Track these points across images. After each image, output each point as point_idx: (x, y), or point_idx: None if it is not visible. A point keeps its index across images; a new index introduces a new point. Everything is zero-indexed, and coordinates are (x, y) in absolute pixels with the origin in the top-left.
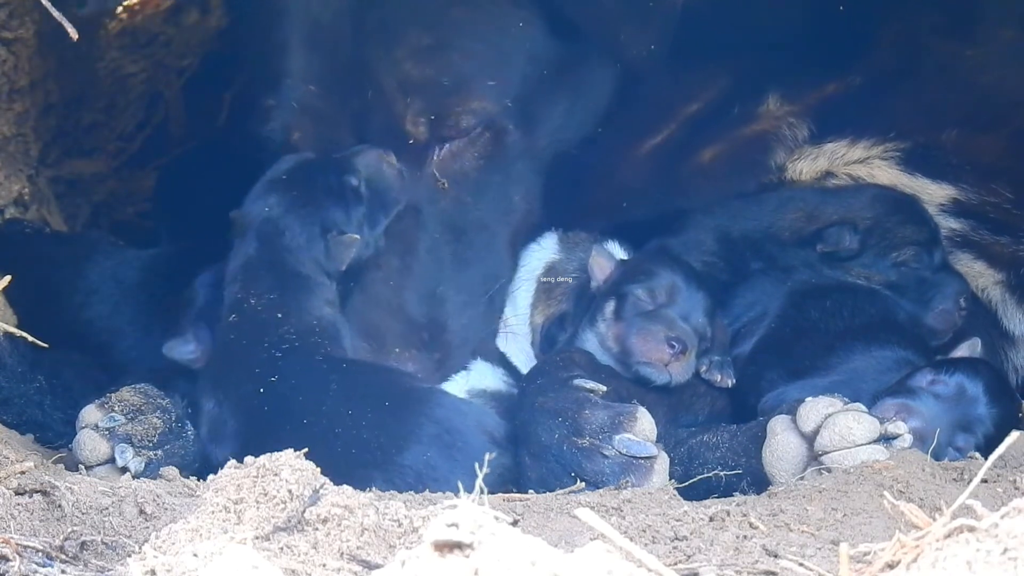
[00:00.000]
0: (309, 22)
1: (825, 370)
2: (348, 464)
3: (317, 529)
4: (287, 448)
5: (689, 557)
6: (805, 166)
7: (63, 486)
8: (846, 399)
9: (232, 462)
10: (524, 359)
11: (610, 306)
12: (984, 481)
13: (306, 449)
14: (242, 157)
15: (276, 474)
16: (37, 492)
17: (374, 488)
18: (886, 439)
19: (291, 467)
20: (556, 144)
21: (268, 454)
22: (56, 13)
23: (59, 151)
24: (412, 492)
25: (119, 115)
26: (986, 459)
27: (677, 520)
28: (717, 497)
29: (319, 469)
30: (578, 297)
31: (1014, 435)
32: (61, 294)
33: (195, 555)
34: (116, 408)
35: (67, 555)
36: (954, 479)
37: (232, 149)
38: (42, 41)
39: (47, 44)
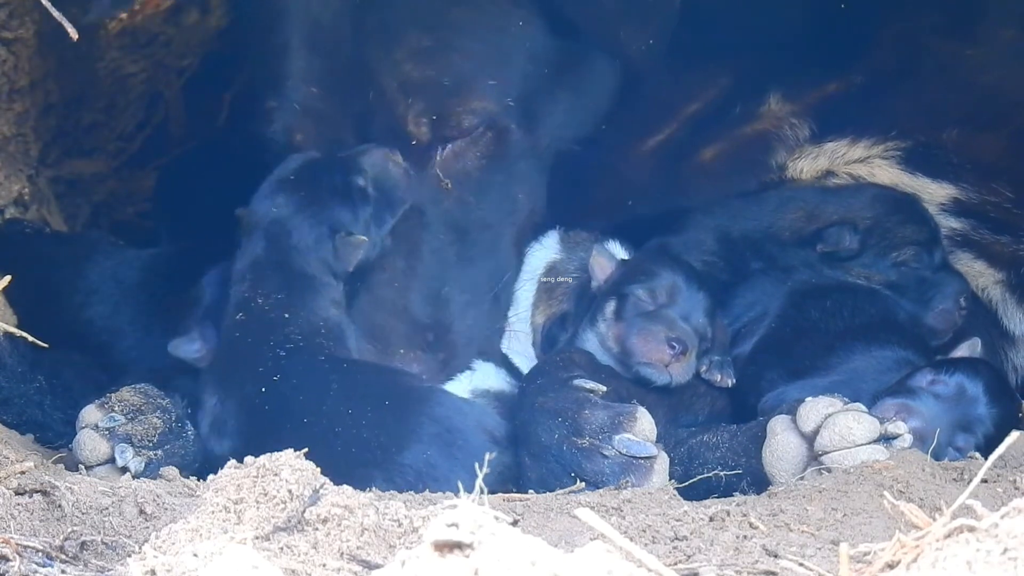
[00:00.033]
0: (309, 23)
1: (825, 370)
2: (349, 463)
3: (317, 529)
4: (288, 446)
5: (689, 557)
6: (806, 165)
7: (63, 486)
8: (846, 399)
9: (232, 462)
10: (525, 359)
11: (611, 306)
12: (984, 481)
13: (306, 449)
14: (242, 157)
15: (276, 474)
16: (37, 492)
17: (374, 488)
18: (886, 439)
19: (291, 467)
20: (558, 143)
21: (268, 454)
22: (56, 13)
23: (59, 151)
24: (412, 492)
25: (119, 115)
26: (986, 459)
27: (677, 520)
28: (717, 497)
29: (319, 469)
30: (579, 297)
31: (1014, 435)
32: (61, 294)
33: (195, 555)
34: (116, 408)
35: (67, 555)
36: (954, 479)
37: (232, 149)
38: (42, 41)
39: (47, 44)
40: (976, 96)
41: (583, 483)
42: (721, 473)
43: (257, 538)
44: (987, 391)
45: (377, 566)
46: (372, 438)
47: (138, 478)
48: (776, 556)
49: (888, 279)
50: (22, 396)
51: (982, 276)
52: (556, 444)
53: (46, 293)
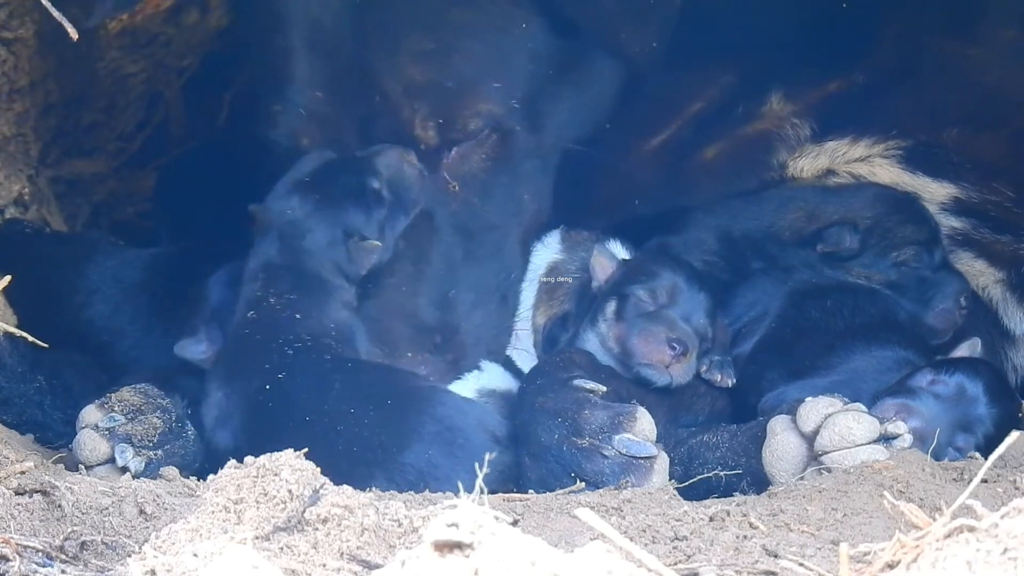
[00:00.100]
0: (311, 25)
1: (825, 370)
2: (350, 462)
3: (317, 529)
4: (290, 442)
5: (689, 557)
6: (806, 164)
7: (63, 486)
8: (846, 399)
9: (232, 462)
10: (527, 359)
11: (611, 306)
12: (984, 481)
13: (306, 449)
14: (242, 157)
15: (276, 474)
16: (37, 492)
17: (374, 487)
18: (886, 439)
19: (291, 467)
20: (562, 143)
21: (268, 454)
22: (56, 13)
23: (59, 151)
24: (413, 491)
25: (119, 115)
26: (986, 459)
27: (677, 520)
28: (717, 497)
29: (319, 469)
30: (580, 297)
31: (1014, 435)
32: (61, 294)
33: (195, 555)
34: (116, 408)
35: (67, 555)
36: (954, 479)
37: (232, 149)
38: (42, 41)
39: (47, 44)
40: (977, 96)
41: (583, 483)
42: (721, 473)
43: (257, 538)
44: (987, 391)
45: (377, 566)
46: (374, 437)
47: (138, 478)
48: (776, 556)
49: (888, 279)
50: (22, 396)
51: (982, 275)
52: (556, 444)
53: (46, 293)
